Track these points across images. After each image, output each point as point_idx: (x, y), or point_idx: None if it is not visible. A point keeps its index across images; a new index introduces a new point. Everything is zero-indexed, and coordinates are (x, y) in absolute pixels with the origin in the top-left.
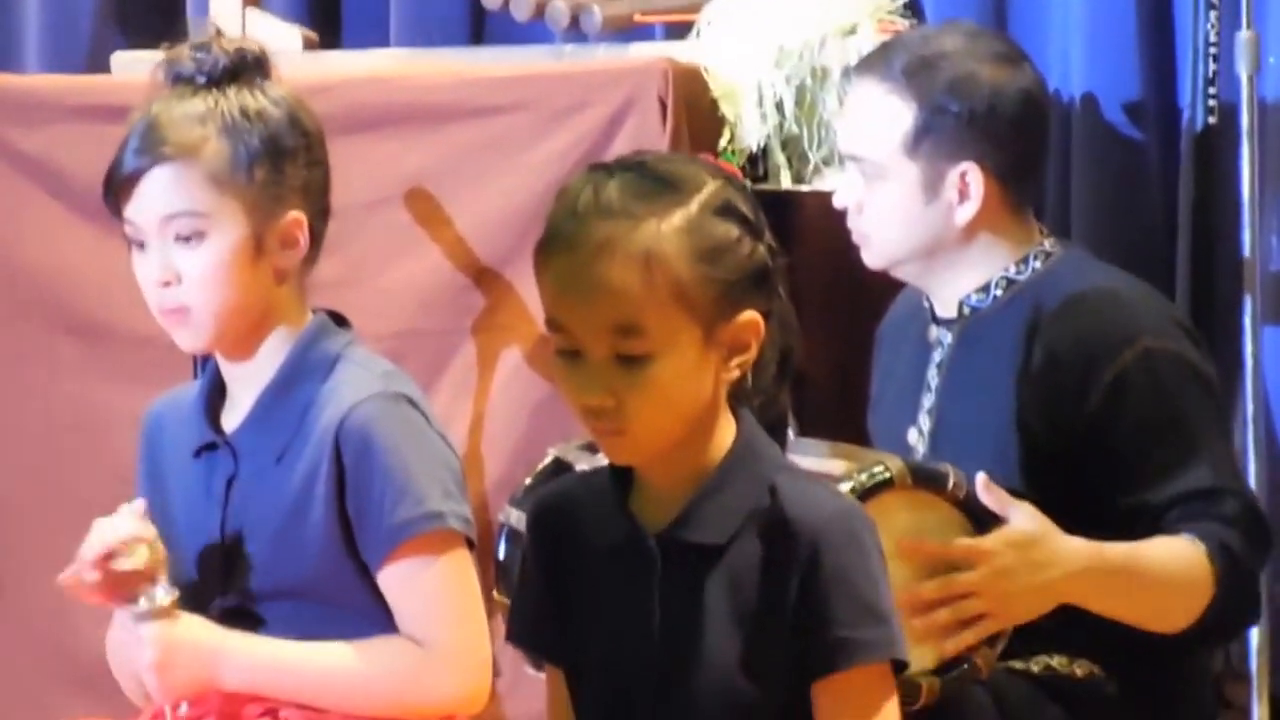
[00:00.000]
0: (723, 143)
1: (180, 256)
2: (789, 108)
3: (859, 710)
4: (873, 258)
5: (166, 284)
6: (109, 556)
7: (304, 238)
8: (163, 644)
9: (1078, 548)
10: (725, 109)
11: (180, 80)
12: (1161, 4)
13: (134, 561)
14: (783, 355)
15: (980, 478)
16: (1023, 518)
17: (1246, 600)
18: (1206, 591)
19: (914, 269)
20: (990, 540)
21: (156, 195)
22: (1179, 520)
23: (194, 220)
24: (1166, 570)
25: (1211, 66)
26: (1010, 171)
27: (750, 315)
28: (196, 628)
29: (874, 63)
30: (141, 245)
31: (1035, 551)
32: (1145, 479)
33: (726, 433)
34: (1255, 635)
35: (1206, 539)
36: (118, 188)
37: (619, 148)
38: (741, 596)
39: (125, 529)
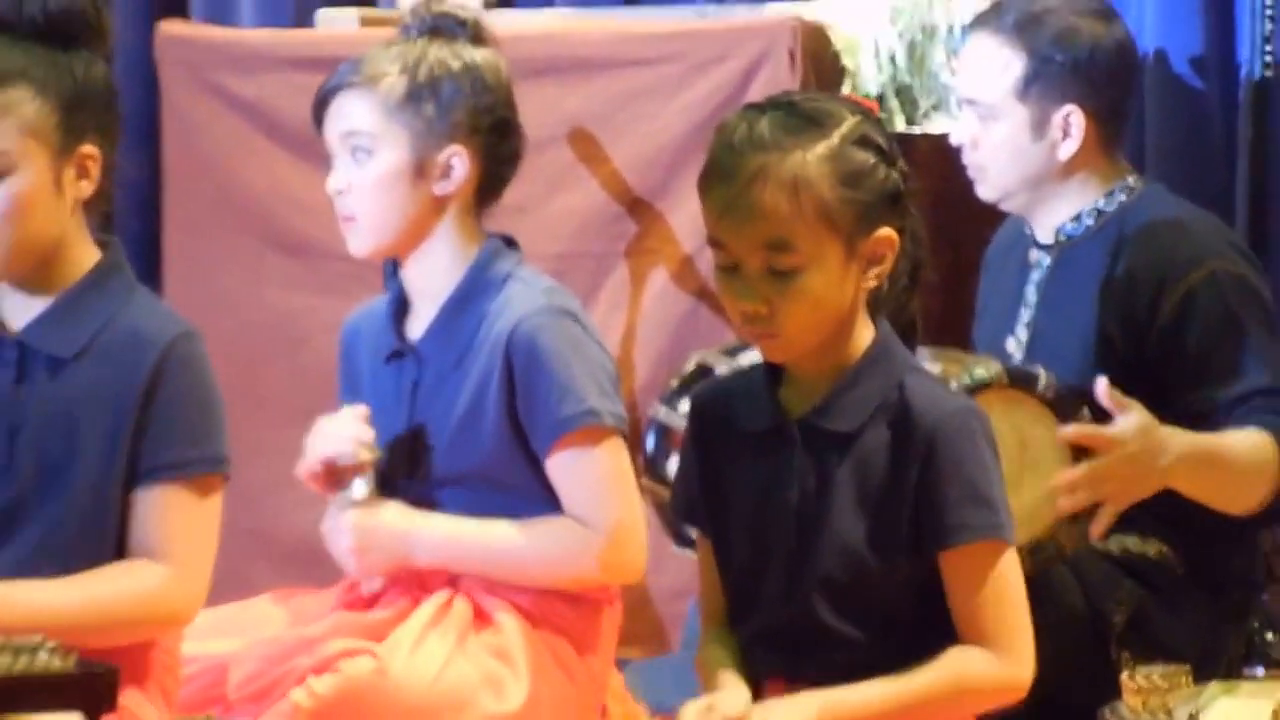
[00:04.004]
0: (843, 90)
1: (353, 170)
2: (901, 60)
3: (978, 581)
4: (987, 190)
5: (340, 192)
6: (331, 467)
7: (461, 170)
8: (360, 531)
9: (1181, 435)
10: (846, 61)
11: (402, 30)
12: None
13: (358, 494)
14: (913, 267)
15: (1101, 381)
16: (1136, 413)
17: None
18: (1274, 476)
19: (1021, 200)
20: (1118, 429)
21: (339, 114)
22: (1244, 415)
23: (364, 138)
24: (1245, 457)
25: (1268, 26)
26: (1106, 113)
27: (886, 232)
28: (391, 514)
29: (988, 19)
30: (332, 160)
31: (1152, 439)
32: (1211, 379)
33: (864, 335)
34: None
35: (1272, 430)
36: (317, 106)
37: (753, 95)
38: (868, 478)
39: (348, 430)
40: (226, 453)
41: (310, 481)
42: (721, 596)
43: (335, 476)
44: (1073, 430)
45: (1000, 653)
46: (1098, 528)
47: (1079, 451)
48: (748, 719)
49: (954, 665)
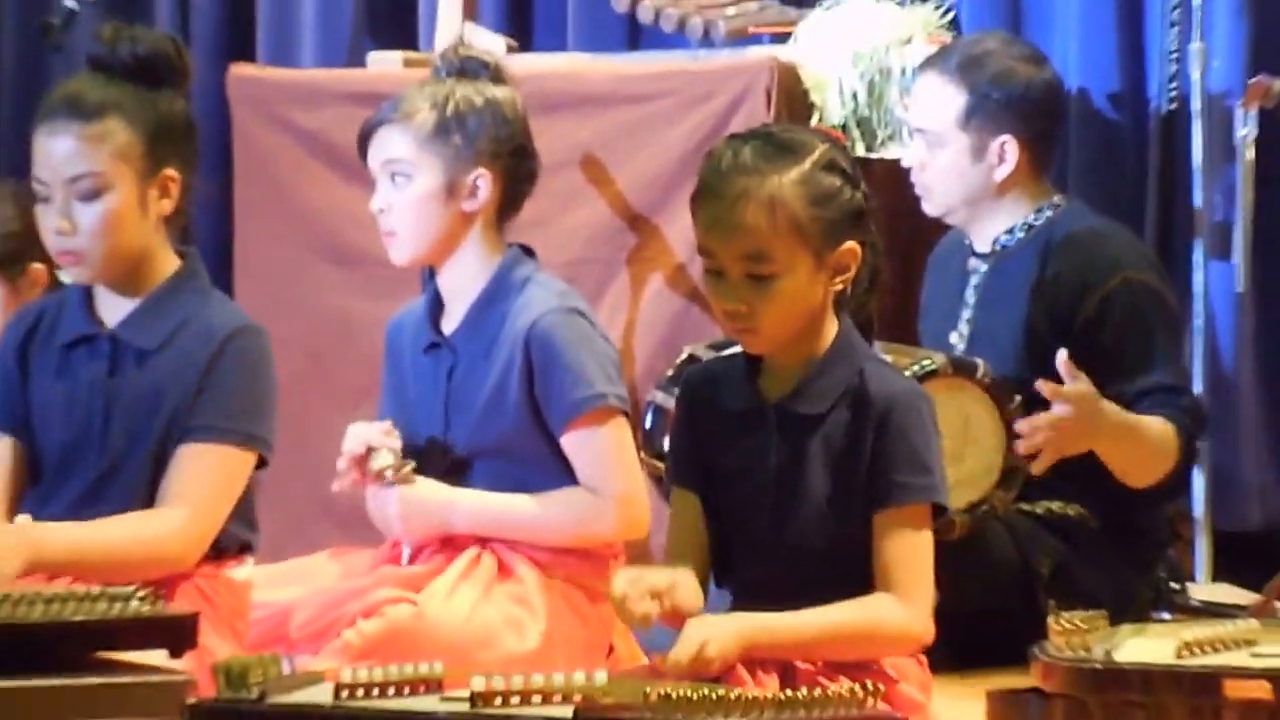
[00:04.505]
0: (812, 122)
1: (393, 193)
2: (862, 96)
3: (901, 538)
4: (932, 207)
5: (382, 211)
6: (362, 458)
7: (485, 190)
8: (405, 502)
9: (1114, 408)
10: (814, 97)
11: (433, 71)
12: (1135, 21)
13: (380, 463)
14: (873, 273)
15: (1061, 353)
16: (1082, 382)
17: (1189, 469)
18: (1173, 458)
19: (961, 215)
20: (1062, 391)
21: (380, 146)
22: (1149, 407)
23: (403, 165)
24: (1155, 438)
25: (1173, 68)
26: (1036, 142)
27: (850, 245)
28: (430, 488)
29: (935, 60)
30: (374, 185)
31: (1088, 404)
32: (1122, 373)
33: (830, 330)
34: (1201, 486)
35: (1175, 421)
36: (361, 139)
37: (736, 126)
38: (834, 452)
39: (373, 438)
40: (265, 437)
41: (349, 469)
42: (688, 549)
43: (370, 478)
44: (1049, 388)
45: (912, 606)
46: (1039, 466)
47: (1011, 430)
48: (691, 636)
49: (873, 607)
